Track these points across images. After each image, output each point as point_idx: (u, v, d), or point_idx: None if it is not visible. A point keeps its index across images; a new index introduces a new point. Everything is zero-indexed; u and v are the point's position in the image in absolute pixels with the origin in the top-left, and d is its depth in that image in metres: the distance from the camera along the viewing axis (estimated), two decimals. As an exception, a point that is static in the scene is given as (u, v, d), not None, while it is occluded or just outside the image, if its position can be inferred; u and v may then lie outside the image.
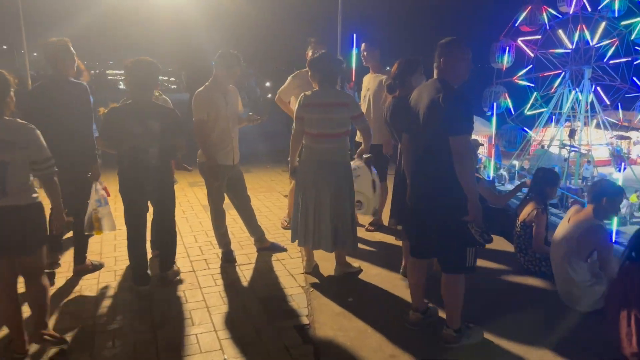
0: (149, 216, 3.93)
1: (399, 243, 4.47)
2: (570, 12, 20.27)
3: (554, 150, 22.83)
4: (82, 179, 3.83)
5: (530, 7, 21.15)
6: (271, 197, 6.81)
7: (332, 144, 3.83)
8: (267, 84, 31.86)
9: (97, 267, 4.24)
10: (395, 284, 4.01)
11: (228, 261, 4.41)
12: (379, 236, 5.14)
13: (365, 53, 5.10)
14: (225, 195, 4.48)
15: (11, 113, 2.75)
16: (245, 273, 4.22)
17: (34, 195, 2.78)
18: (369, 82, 5.19)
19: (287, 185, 7.30)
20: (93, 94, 4.12)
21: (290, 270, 4.27)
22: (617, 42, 19.69)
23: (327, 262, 4.23)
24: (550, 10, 21.01)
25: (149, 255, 4.01)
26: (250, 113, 4.52)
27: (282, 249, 4.69)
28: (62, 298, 3.72)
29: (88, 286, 3.93)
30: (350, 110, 3.83)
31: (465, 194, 2.80)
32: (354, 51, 6.69)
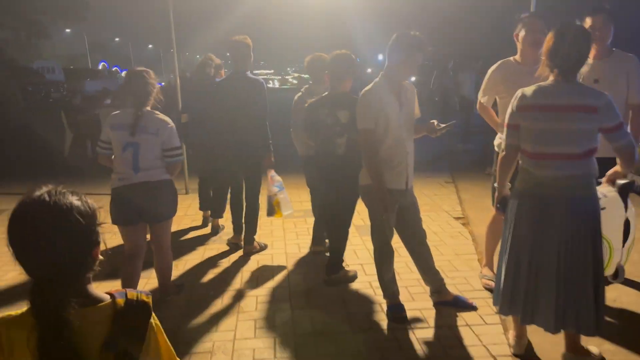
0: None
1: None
2: None
3: None
4: (256, 166, 4.31)
5: None
6: (438, 218, 5.49)
7: (567, 169, 2.47)
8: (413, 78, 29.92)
9: (263, 247, 4.59)
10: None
11: (396, 320, 3.21)
12: (626, 301, 3.44)
13: (598, 31, 3.51)
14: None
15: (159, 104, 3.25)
16: (420, 339, 3.01)
17: (164, 174, 3.20)
18: (596, 69, 3.60)
19: (454, 202, 5.91)
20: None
21: (487, 345, 2.95)
22: None
23: (546, 339, 2.84)
24: None
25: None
26: (435, 121, 3.22)
27: (471, 307, 3.38)
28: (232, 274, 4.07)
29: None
30: (601, 118, 2.41)
31: None
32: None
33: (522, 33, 3.43)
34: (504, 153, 2.73)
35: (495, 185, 2.86)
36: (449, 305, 3.38)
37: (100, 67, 42.27)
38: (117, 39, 54.24)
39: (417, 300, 3.51)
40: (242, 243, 4.53)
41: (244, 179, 4.43)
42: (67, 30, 45.76)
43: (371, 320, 3.27)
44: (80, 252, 1.13)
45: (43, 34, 21.74)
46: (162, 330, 1.27)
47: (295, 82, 45.23)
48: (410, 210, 3.29)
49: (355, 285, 3.80)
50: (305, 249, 4.59)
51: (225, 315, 3.41)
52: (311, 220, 4.68)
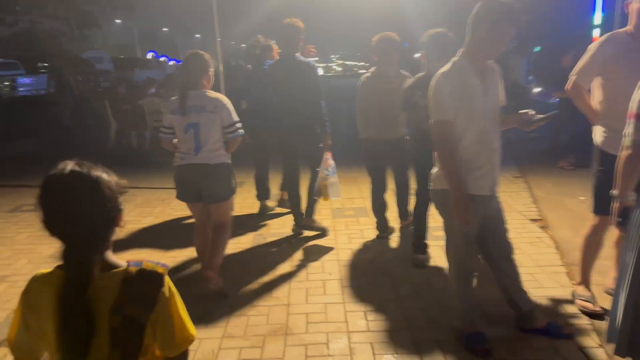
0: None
1: None
2: None
3: None
4: (316, 147, 4.27)
5: None
6: (511, 221, 4.72)
7: None
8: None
9: (322, 230, 4.59)
10: None
11: (476, 353, 2.64)
12: None
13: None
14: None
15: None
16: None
17: (223, 157, 3.27)
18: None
19: (527, 201, 5.22)
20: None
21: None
22: None
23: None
24: None
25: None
26: (530, 111, 2.58)
27: (566, 337, 2.76)
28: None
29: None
30: None
31: None
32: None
33: (636, 4, 2.75)
34: (628, 152, 2.11)
35: (613, 192, 2.24)
36: (539, 334, 2.78)
37: (149, 56, 42.90)
38: (165, 29, 54.94)
39: (500, 325, 2.92)
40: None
41: (307, 161, 4.46)
42: (118, 21, 46.67)
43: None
44: (106, 218, 1.22)
45: (94, 24, 21.98)
46: (180, 304, 1.29)
47: (339, 69, 44.15)
48: (495, 220, 2.71)
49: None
50: (357, 250, 4.09)
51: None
52: (364, 219, 4.74)
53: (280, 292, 3.50)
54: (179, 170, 3.30)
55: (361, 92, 4.18)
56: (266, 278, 3.73)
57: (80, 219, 1.20)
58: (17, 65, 18.45)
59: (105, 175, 1.26)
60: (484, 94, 2.48)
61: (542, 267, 3.70)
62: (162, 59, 45.49)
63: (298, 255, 4.13)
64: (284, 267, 3.91)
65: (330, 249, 4.25)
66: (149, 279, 1.23)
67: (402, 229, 4.55)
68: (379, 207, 4.40)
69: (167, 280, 1.27)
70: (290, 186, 4.57)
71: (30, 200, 5.84)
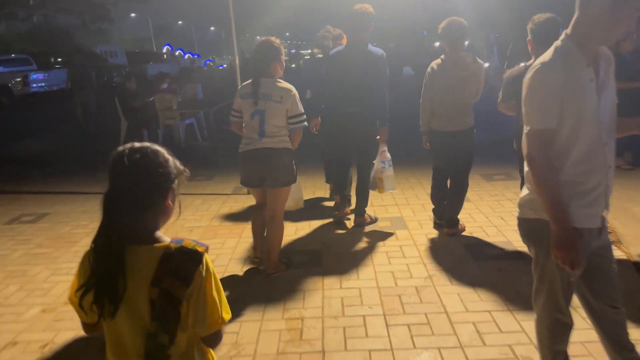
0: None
1: None
2: None
3: None
4: (370, 138, 4.21)
5: None
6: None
7: None
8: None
9: (373, 220, 4.55)
10: None
11: None
12: None
13: None
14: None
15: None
16: None
17: (286, 143, 3.36)
18: None
19: None
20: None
21: None
22: None
23: None
24: None
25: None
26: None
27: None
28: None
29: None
30: None
31: None
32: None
33: None
34: None
35: None
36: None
37: (164, 50, 42.62)
38: (180, 22, 54.60)
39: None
40: (348, 215, 4.61)
41: (358, 151, 4.36)
42: (132, 14, 46.41)
43: None
44: (153, 191, 1.28)
45: (107, 18, 21.59)
46: (216, 285, 1.30)
47: None
48: (602, 257, 2.04)
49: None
50: (399, 272, 3.46)
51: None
52: (403, 233, 4.20)
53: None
54: (243, 155, 3.40)
55: (430, 80, 3.98)
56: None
57: (128, 186, 1.25)
58: (28, 61, 18.07)
59: (163, 156, 1.32)
60: (599, 91, 1.82)
61: (632, 300, 3.03)
62: (177, 52, 45.23)
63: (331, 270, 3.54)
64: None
65: (367, 272, 3.63)
66: (187, 256, 1.26)
67: (448, 235, 4.22)
68: (438, 196, 4.30)
69: (206, 259, 1.29)
70: (341, 175, 4.55)
71: (31, 209, 5.39)
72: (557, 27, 3.18)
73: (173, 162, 1.34)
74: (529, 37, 3.32)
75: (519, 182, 5.36)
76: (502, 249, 3.89)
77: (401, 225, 4.48)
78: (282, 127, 3.33)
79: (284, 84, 3.30)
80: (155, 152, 1.31)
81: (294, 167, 3.43)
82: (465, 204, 4.38)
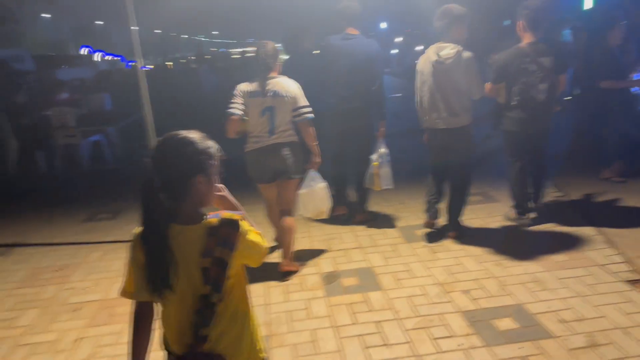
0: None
1: None
2: None
3: None
4: (367, 133, 4.18)
5: None
6: (596, 284, 3.17)
7: None
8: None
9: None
10: None
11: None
12: None
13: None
14: None
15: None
16: None
17: (294, 136, 3.42)
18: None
19: (598, 241, 3.57)
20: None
21: None
22: None
23: None
24: None
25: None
26: None
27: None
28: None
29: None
30: None
31: None
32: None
33: None
34: None
35: None
36: None
37: (82, 52, 39.37)
38: (98, 22, 50.97)
39: None
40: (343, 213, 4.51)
41: (357, 147, 4.24)
42: (46, 15, 42.67)
43: None
44: (186, 169, 1.40)
45: (8, 18, 19.10)
46: (254, 236, 1.50)
47: (286, 57, 41.50)
48: None
49: None
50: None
51: None
52: (376, 296, 2.99)
53: None
54: (253, 154, 3.41)
55: (418, 74, 3.83)
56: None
57: (163, 165, 1.40)
58: None
59: (198, 139, 1.44)
60: None
61: None
62: (97, 54, 42.02)
63: None
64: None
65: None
66: (228, 226, 1.43)
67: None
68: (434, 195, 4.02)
69: (243, 223, 1.46)
70: (339, 172, 4.46)
71: None
72: (548, 13, 3.61)
73: (204, 146, 1.44)
74: (522, 20, 3.70)
75: (501, 204, 4.48)
76: (523, 327, 2.84)
77: (372, 283, 3.35)
78: (288, 121, 3.38)
79: (287, 79, 3.40)
80: (185, 141, 1.42)
81: (301, 159, 3.49)
82: (454, 249, 3.32)
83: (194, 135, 1.44)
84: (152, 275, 1.40)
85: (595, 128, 5.51)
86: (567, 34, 9.41)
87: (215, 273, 1.39)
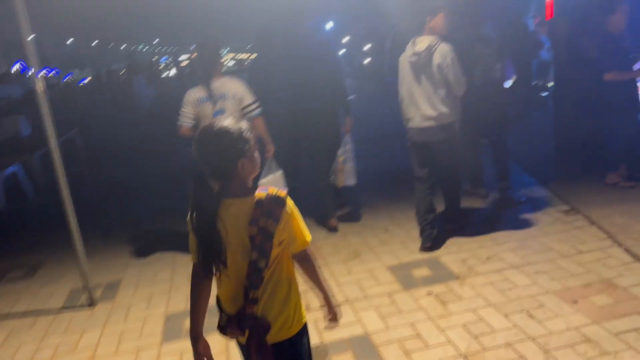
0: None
1: None
2: None
3: None
4: (337, 132, 4.15)
5: None
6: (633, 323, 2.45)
7: None
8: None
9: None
10: None
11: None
12: None
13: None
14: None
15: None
16: None
17: None
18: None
19: (617, 261, 2.85)
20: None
21: None
22: None
23: None
24: None
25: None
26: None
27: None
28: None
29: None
30: None
31: None
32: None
33: None
34: None
35: None
36: None
37: (14, 68, 36.76)
38: (33, 36, 47.92)
39: None
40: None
41: (326, 150, 4.07)
42: (-30, 30, 39.58)
43: None
44: (227, 157, 1.53)
45: None
46: (299, 218, 1.63)
47: (231, 64, 40.39)
48: None
49: None
50: None
51: None
52: None
53: None
54: None
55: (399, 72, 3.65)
56: None
57: (207, 157, 1.55)
58: None
59: (233, 127, 1.55)
60: None
61: None
62: (31, 70, 39.32)
63: None
64: None
65: None
66: (274, 200, 1.56)
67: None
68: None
69: (289, 200, 1.60)
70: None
71: None
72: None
73: (239, 132, 1.54)
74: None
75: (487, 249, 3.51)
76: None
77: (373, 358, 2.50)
78: None
79: (232, 79, 3.49)
80: (220, 132, 1.53)
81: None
82: (467, 296, 2.53)
83: (227, 123, 1.55)
84: (205, 256, 1.56)
85: (581, 122, 4.97)
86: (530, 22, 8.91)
87: (260, 241, 1.53)
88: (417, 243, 3.72)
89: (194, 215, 1.55)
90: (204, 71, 3.43)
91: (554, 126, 5.79)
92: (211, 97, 3.40)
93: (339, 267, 3.54)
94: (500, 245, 3.58)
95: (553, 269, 3.15)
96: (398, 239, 3.90)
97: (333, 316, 1.81)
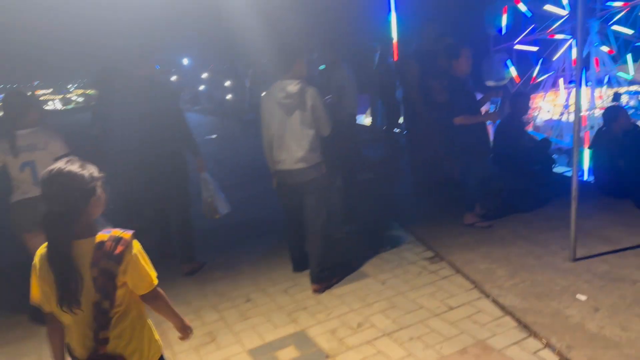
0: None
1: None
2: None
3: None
4: (184, 175, 4.03)
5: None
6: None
7: None
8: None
9: (203, 263, 4.17)
10: None
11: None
12: None
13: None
14: None
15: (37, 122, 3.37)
16: None
17: None
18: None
19: (493, 316, 2.71)
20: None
21: None
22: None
23: None
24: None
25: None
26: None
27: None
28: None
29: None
30: None
31: None
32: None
33: None
34: None
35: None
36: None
37: None
38: None
39: None
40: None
41: (174, 193, 4.03)
42: None
43: None
44: (74, 200, 1.61)
45: None
46: (144, 259, 1.70)
47: (80, 100, 37.78)
48: None
49: None
50: None
51: None
52: None
53: None
54: (20, 204, 3.29)
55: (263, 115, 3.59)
56: None
57: (54, 201, 1.60)
58: None
59: (76, 170, 1.63)
60: None
61: None
62: None
63: None
64: None
65: None
66: (116, 241, 1.62)
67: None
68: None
69: (134, 242, 1.67)
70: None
71: None
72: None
73: (88, 174, 1.65)
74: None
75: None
76: None
77: None
78: None
79: (47, 130, 3.37)
80: (68, 173, 1.61)
81: None
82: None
83: (73, 167, 1.63)
84: (61, 292, 1.58)
85: (435, 162, 5.09)
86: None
87: (102, 282, 1.58)
88: (284, 312, 3.29)
89: (50, 255, 1.60)
90: (10, 122, 3.29)
91: (410, 166, 5.86)
92: (15, 150, 3.25)
93: (189, 358, 2.94)
94: (370, 307, 3.29)
95: (426, 333, 2.91)
96: (262, 310, 3.42)
97: (186, 335, 1.93)
